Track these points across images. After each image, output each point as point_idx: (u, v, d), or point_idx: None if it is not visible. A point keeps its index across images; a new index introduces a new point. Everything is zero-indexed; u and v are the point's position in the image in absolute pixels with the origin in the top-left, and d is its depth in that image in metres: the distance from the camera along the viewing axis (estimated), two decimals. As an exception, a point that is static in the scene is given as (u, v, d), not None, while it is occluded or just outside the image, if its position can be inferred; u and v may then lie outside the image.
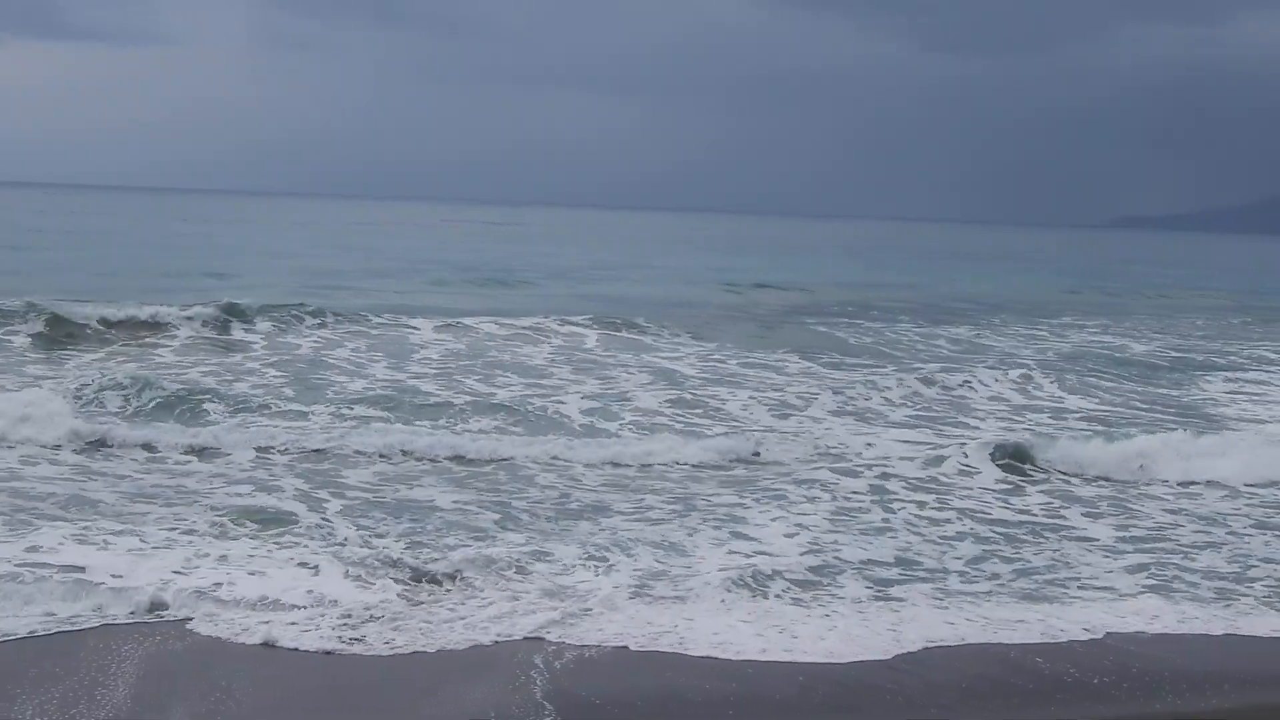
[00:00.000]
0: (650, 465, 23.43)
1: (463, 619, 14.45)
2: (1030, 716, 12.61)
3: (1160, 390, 36.37)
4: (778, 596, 15.80)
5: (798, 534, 18.96)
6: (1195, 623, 15.55)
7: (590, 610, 14.85)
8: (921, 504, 21.44)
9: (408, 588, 15.33)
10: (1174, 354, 46.28)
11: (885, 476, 23.20)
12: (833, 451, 25.28)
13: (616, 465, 23.33)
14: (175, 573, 15.39)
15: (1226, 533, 20.46)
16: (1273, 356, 46.46)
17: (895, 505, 21.25)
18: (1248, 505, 22.50)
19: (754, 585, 16.14)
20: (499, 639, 13.91)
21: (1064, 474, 24.15)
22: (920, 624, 15.00)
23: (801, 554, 17.85)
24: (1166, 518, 21.27)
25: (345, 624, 14.10)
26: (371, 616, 14.36)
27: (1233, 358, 45.37)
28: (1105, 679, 13.51)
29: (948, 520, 20.56)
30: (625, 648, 13.76)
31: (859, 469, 23.71)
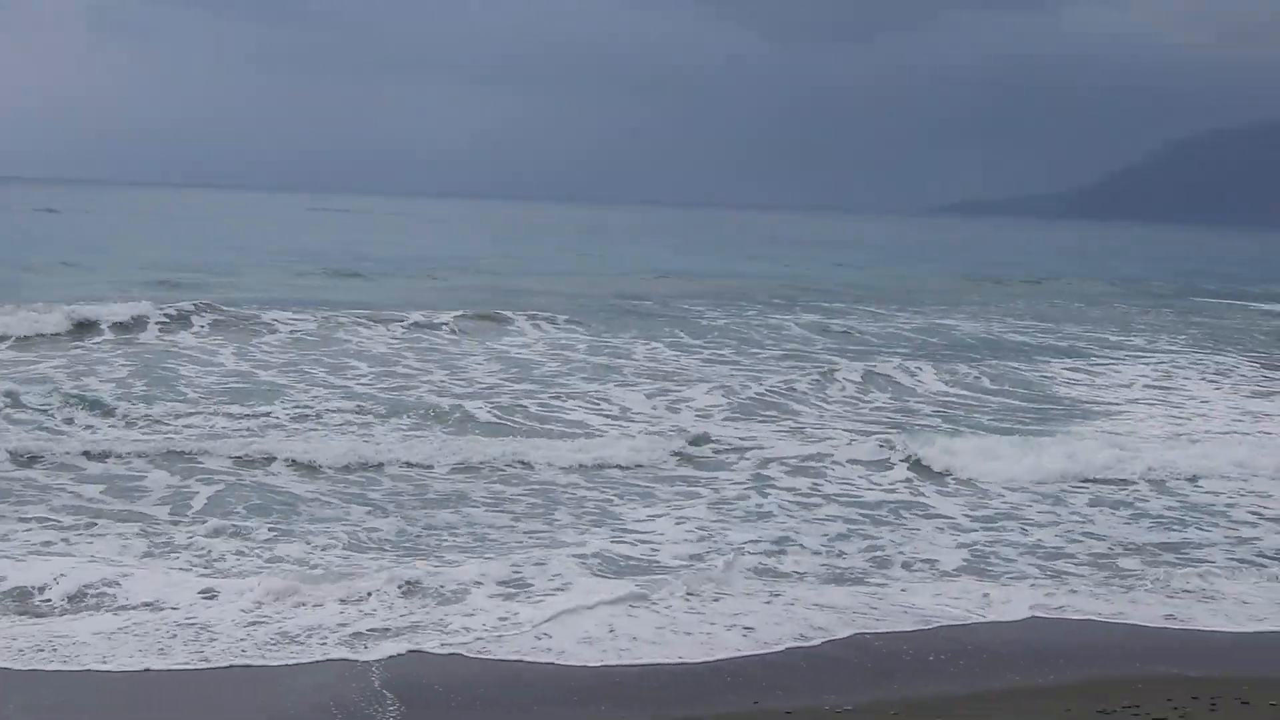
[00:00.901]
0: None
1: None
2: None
3: (1011, 370, 36.61)
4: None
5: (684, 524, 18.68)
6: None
7: (456, 611, 14.31)
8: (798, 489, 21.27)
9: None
10: (1018, 337, 46.86)
11: (765, 464, 23.10)
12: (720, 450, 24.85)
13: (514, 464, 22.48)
14: None
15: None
16: (1113, 339, 47.17)
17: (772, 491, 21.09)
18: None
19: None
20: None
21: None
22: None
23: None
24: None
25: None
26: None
27: (1073, 342, 45.95)
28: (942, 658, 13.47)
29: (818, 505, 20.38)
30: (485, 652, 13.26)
31: (737, 464, 23.39)
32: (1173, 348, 44.84)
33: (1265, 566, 17.66)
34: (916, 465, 23.05)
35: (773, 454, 23.69)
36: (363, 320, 39.15)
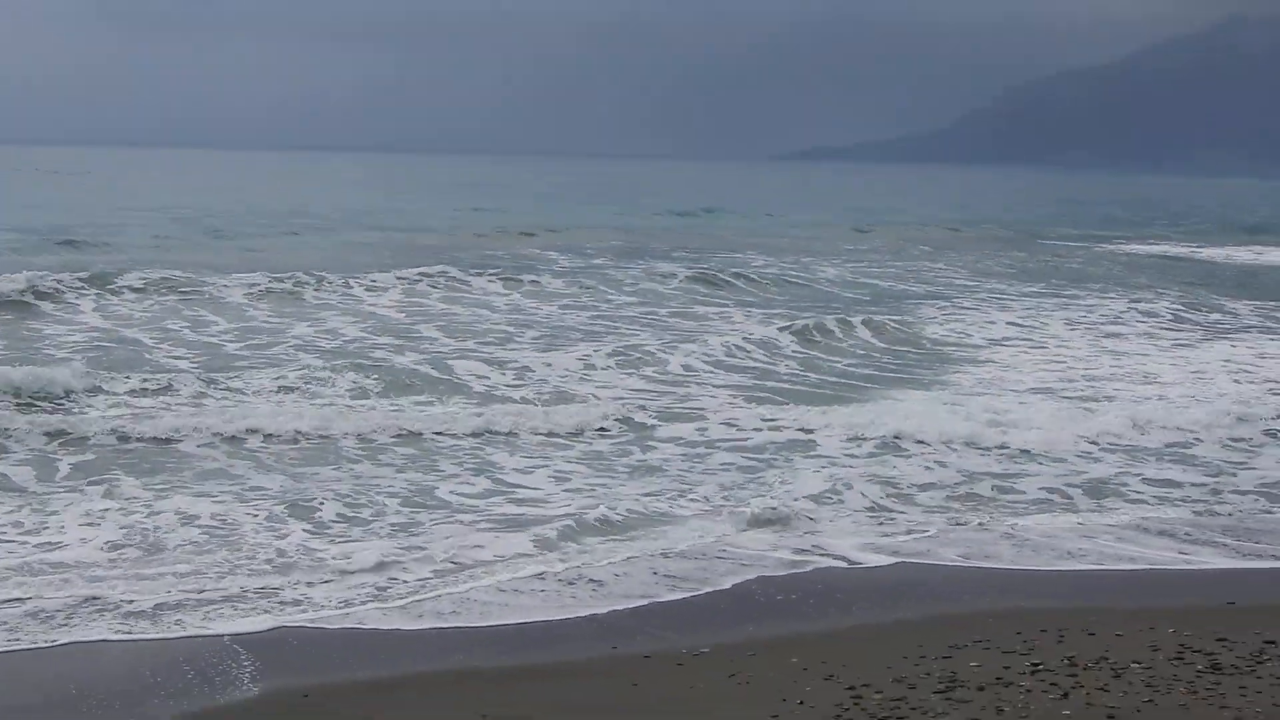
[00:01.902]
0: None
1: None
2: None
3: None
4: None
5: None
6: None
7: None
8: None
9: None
10: (885, 284, 47.31)
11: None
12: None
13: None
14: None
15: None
16: (971, 284, 47.93)
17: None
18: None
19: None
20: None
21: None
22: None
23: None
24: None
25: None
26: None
27: (938, 285, 46.57)
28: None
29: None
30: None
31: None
32: (1035, 289, 45.61)
33: (1114, 509, 18.06)
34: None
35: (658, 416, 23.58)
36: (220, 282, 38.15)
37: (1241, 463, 20.70)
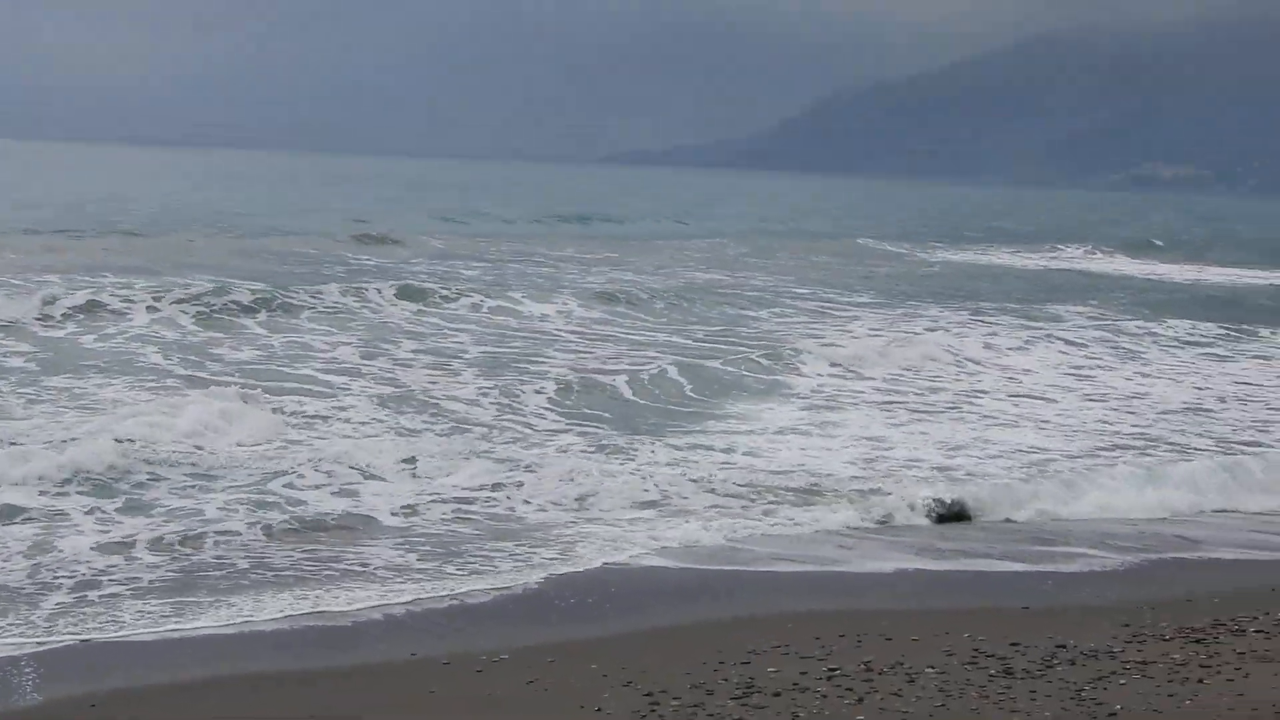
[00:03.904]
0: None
1: None
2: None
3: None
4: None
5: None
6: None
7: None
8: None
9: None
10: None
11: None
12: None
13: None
14: None
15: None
16: (801, 291, 48.48)
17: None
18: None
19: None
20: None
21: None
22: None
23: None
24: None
25: None
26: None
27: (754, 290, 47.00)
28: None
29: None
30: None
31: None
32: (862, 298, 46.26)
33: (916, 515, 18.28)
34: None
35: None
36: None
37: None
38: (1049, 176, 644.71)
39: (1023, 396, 27.09)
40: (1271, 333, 38.95)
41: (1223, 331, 38.89)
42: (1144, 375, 30.57)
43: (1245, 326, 40.33)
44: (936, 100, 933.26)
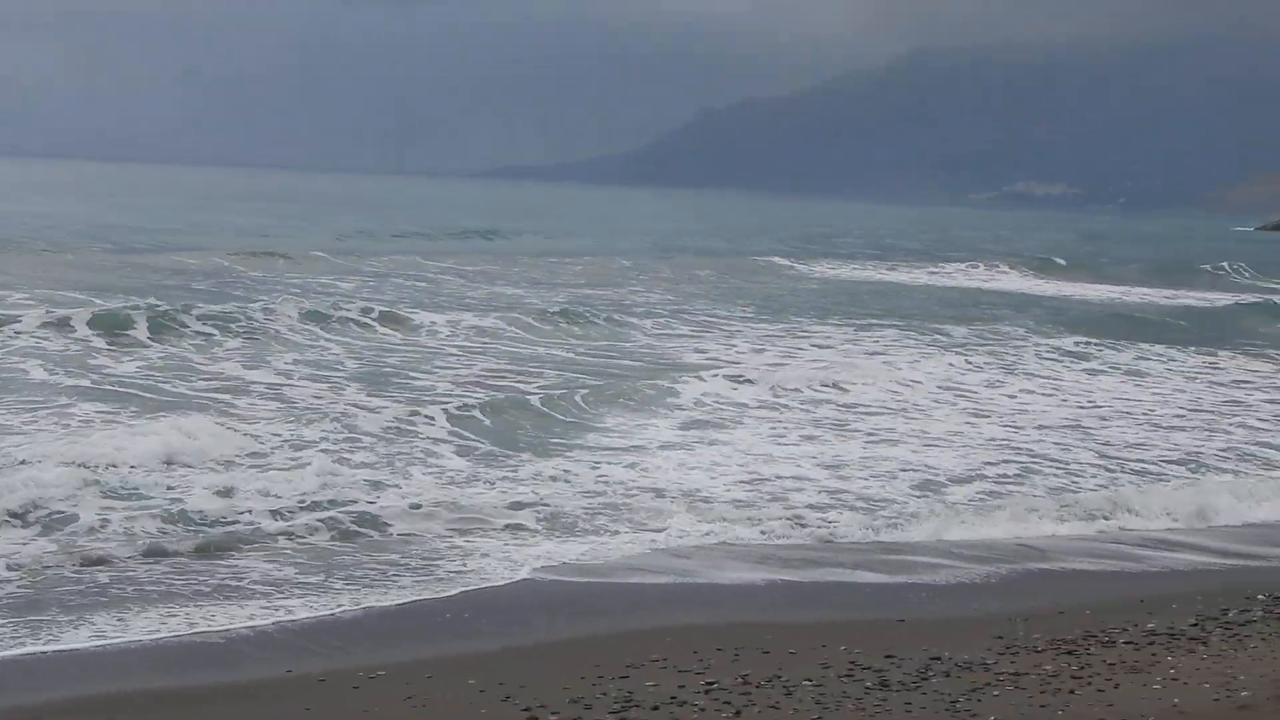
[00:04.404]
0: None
1: None
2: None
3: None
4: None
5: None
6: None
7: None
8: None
9: None
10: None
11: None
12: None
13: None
14: None
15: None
16: (687, 306, 48.74)
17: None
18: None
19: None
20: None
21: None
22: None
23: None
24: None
25: None
26: None
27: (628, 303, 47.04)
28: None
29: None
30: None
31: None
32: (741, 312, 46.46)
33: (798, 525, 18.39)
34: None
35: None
36: None
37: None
38: (926, 194, 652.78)
39: (907, 412, 27.29)
40: (1163, 348, 39.60)
41: (1109, 346, 39.48)
42: (1027, 391, 30.86)
43: (1136, 343, 40.91)
44: (815, 116, 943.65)
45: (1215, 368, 37.21)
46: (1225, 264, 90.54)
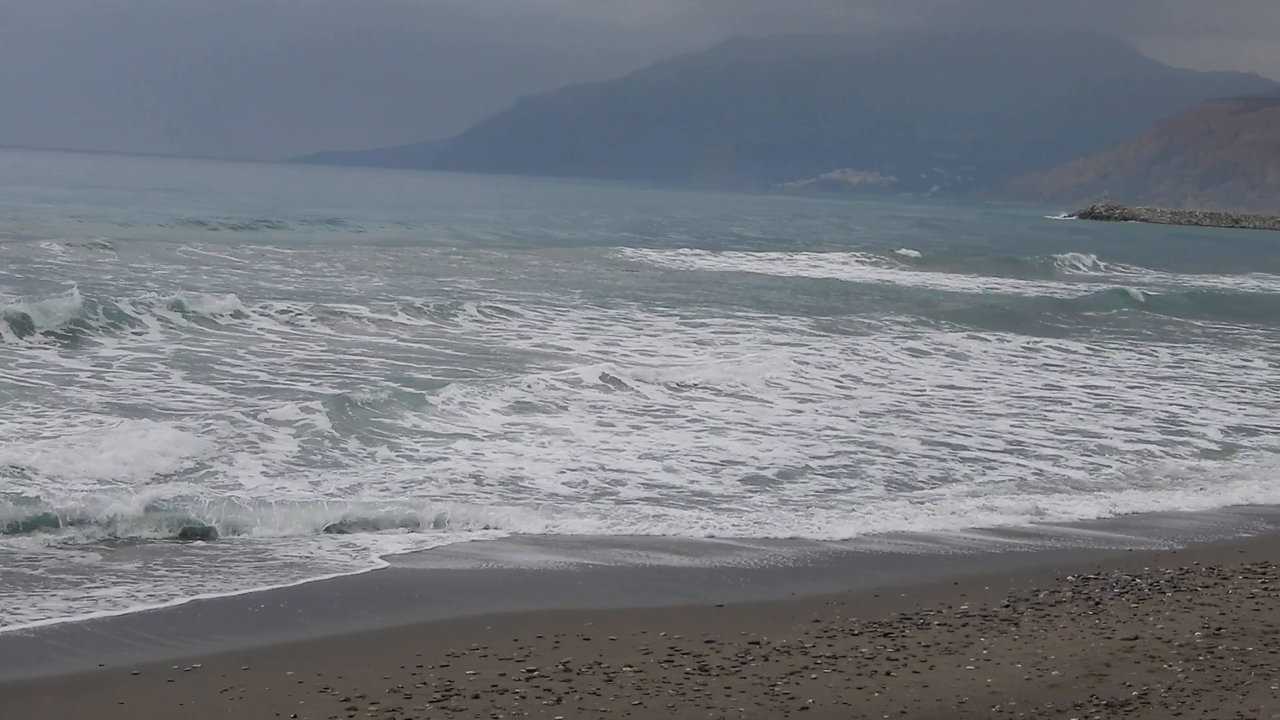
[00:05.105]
0: None
1: None
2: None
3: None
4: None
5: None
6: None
7: None
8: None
9: None
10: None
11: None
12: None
13: None
14: None
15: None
16: (511, 295, 48.73)
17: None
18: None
19: None
20: None
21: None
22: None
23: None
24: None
25: None
26: None
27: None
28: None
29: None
30: None
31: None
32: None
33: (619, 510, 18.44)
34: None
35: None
36: None
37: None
38: (743, 180, 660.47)
39: (739, 399, 27.38)
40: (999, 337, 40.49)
41: (939, 331, 40.23)
42: (853, 378, 31.09)
43: (970, 329, 41.86)
44: (634, 104, 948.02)
45: (1035, 350, 38.57)
46: (1071, 254, 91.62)
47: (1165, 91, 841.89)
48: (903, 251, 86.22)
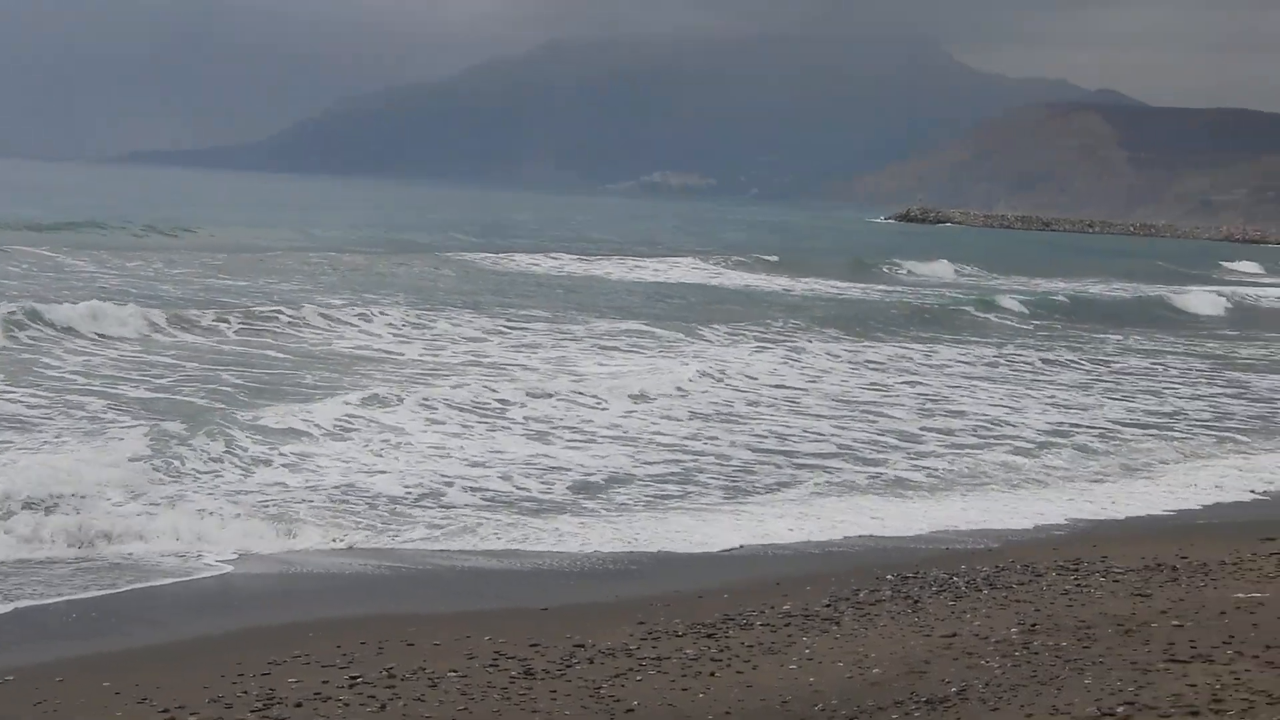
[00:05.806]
0: None
1: None
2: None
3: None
4: None
5: None
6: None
7: None
8: None
9: None
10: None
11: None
12: None
13: None
14: None
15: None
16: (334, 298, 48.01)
17: None
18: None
19: None
20: None
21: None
22: None
23: None
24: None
25: None
26: None
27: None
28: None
29: None
30: None
31: None
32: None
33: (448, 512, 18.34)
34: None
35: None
36: None
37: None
38: (566, 182, 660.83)
39: (580, 408, 27.00)
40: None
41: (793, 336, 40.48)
42: (689, 380, 30.75)
43: (813, 332, 42.20)
44: (455, 106, 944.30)
45: (872, 350, 39.27)
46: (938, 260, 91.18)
47: (979, 98, 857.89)
48: (760, 256, 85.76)
